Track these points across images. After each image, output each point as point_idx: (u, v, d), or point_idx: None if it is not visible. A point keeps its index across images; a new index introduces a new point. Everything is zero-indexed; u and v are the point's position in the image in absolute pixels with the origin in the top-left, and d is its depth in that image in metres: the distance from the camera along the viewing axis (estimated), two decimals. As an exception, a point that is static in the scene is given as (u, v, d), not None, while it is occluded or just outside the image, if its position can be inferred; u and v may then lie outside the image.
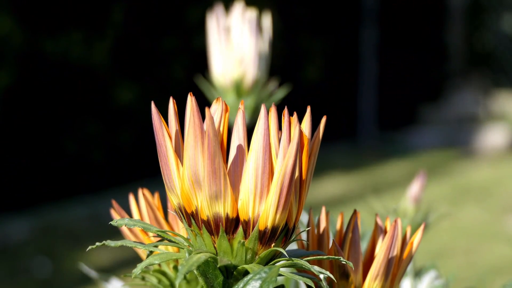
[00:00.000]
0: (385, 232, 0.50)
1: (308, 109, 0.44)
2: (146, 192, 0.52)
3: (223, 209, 0.41)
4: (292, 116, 0.42)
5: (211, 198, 0.40)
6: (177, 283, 0.37)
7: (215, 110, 0.44)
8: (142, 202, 0.53)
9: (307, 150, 0.43)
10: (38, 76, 3.31)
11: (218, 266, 0.41)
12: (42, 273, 2.60)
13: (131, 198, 0.54)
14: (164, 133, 0.42)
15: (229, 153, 0.42)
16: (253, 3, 0.87)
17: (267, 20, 0.90)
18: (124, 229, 0.53)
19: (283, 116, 0.42)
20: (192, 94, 0.42)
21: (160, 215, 0.52)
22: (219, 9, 0.87)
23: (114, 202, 0.53)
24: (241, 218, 0.41)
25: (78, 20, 3.41)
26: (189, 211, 0.42)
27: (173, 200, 0.43)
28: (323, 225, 0.50)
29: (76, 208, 3.33)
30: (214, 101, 0.44)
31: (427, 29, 5.71)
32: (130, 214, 0.53)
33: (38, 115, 3.33)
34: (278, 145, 0.41)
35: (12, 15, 3.18)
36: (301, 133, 0.41)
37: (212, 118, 0.39)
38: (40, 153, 3.36)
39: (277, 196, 0.40)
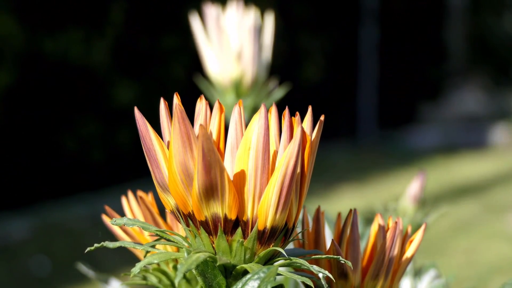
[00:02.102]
0: (385, 231, 0.50)
1: (310, 108, 0.44)
2: (142, 194, 0.52)
3: (221, 210, 0.40)
4: (292, 116, 0.42)
5: (208, 200, 0.40)
6: (176, 282, 0.37)
7: (199, 109, 0.43)
8: (133, 204, 0.53)
9: (309, 150, 0.42)
10: (37, 75, 3.31)
11: (217, 264, 0.41)
12: (42, 272, 2.60)
13: (124, 201, 0.54)
14: (151, 136, 0.42)
15: (225, 151, 0.42)
16: (252, 2, 0.86)
17: (269, 20, 0.89)
18: (119, 232, 0.52)
19: (283, 116, 0.42)
20: (178, 94, 0.42)
21: (158, 216, 0.52)
22: (207, 9, 0.86)
23: (107, 207, 0.52)
24: (240, 218, 0.41)
25: (77, 19, 3.41)
26: (185, 212, 0.42)
27: (169, 201, 0.43)
28: (318, 224, 0.49)
29: (76, 207, 3.33)
30: (198, 100, 0.44)
31: (427, 27, 5.71)
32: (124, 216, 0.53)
33: (38, 114, 3.33)
34: (279, 144, 0.41)
35: (12, 14, 3.18)
36: (303, 133, 0.40)
37: (206, 134, 0.38)
38: (40, 152, 3.36)
39: (277, 197, 0.40)
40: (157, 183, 0.43)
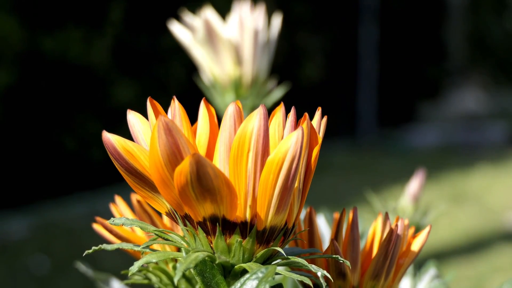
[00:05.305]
0: (389, 231, 0.50)
1: (319, 110, 0.43)
2: (138, 197, 0.52)
3: (219, 211, 0.40)
4: (294, 116, 0.42)
5: (205, 203, 0.39)
6: (175, 280, 0.37)
7: (174, 112, 0.43)
8: (123, 208, 0.53)
9: (318, 150, 0.42)
10: (37, 74, 3.31)
11: (216, 262, 0.41)
12: (41, 271, 2.60)
13: (112, 207, 0.54)
14: (127, 160, 0.42)
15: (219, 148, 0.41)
16: (252, 1, 0.86)
17: (276, 20, 0.88)
18: (110, 238, 0.52)
19: (288, 116, 0.42)
20: (152, 99, 0.41)
21: (156, 218, 0.52)
22: (186, 18, 0.86)
23: (98, 218, 0.52)
24: (239, 219, 0.40)
25: (76, 18, 3.41)
26: (182, 214, 0.42)
27: (164, 203, 0.43)
28: (311, 224, 0.49)
29: (75, 206, 3.33)
30: (172, 101, 0.43)
31: (427, 26, 5.71)
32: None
33: (37, 113, 3.33)
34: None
35: (11, 13, 3.17)
36: (303, 135, 0.39)
37: (199, 161, 0.37)
38: (40, 151, 3.36)
39: (277, 198, 0.39)
40: (146, 189, 0.42)
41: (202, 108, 0.44)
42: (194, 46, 0.86)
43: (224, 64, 0.85)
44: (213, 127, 0.44)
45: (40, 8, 3.29)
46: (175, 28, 0.88)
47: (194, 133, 0.44)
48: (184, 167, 0.37)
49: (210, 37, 0.83)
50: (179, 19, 0.89)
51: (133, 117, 0.44)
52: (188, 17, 0.86)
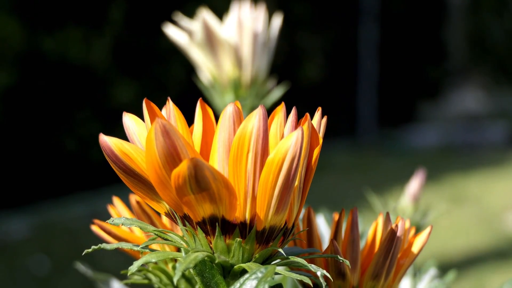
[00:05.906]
0: (388, 231, 0.49)
1: (319, 109, 0.43)
2: (137, 198, 0.52)
3: (218, 211, 0.40)
4: (295, 116, 0.41)
5: (204, 204, 0.39)
6: (175, 280, 0.37)
7: (169, 113, 0.43)
8: (121, 209, 0.53)
9: (318, 150, 0.42)
10: (37, 74, 3.31)
11: (215, 262, 0.41)
12: (41, 271, 2.60)
13: (110, 209, 0.53)
14: (126, 163, 0.41)
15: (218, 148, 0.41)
16: (252, 1, 0.86)
17: (276, 20, 0.88)
18: (108, 238, 0.52)
19: (289, 117, 0.42)
20: (151, 104, 0.41)
21: (156, 218, 0.52)
22: (182, 21, 0.86)
23: (96, 221, 0.52)
24: (238, 219, 0.40)
25: (76, 18, 3.41)
26: (181, 214, 0.42)
27: (164, 204, 0.43)
28: (310, 224, 0.49)
29: (75, 206, 3.33)
30: (167, 103, 0.43)
31: (427, 26, 5.71)
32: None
33: (37, 113, 3.33)
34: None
35: (11, 13, 3.17)
36: (303, 135, 0.39)
37: (197, 165, 0.37)
38: (40, 152, 3.36)
39: (277, 198, 0.39)
40: (145, 191, 0.42)
41: (198, 109, 0.44)
42: (191, 48, 0.86)
43: (223, 65, 0.85)
44: (210, 127, 0.43)
45: (40, 8, 3.29)
46: (171, 31, 0.88)
47: (192, 133, 0.43)
48: (182, 170, 0.37)
49: (209, 38, 0.83)
50: (174, 22, 0.89)
51: (128, 119, 0.43)
52: (183, 20, 0.86)
